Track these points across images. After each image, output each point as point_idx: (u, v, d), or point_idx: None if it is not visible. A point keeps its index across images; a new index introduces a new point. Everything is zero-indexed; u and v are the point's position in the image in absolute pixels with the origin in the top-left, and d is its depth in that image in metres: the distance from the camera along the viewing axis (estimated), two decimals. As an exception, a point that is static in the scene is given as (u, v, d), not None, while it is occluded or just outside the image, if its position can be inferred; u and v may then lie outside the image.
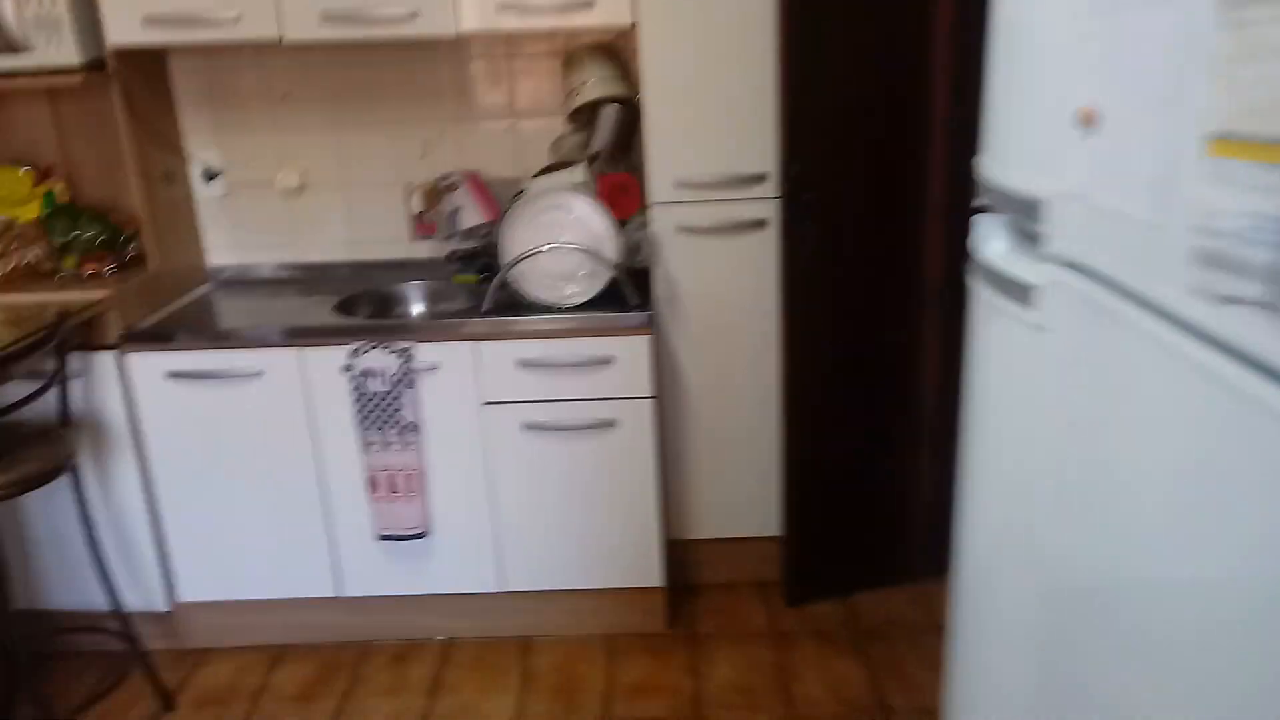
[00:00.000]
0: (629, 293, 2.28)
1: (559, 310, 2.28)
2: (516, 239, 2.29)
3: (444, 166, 2.64)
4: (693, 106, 2.30)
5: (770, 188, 2.36)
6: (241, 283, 2.69)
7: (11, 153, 2.60)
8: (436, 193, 2.53)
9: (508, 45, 2.56)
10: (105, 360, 2.27)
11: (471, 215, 2.53)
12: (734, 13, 2.24)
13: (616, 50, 2.50)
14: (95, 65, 2.30)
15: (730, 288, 2.42)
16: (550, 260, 2.28)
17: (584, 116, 2.49)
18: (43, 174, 2.58)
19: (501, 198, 2.64)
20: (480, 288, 2.43)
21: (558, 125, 2.61)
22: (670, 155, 2.33)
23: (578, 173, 2.33)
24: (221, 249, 2.72)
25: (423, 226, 2.57)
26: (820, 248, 2.33)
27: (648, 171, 2.34)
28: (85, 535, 2.20)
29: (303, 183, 2.65)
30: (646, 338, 2.27)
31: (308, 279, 2.69)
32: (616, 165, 2.48)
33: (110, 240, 2.42)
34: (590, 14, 2.24)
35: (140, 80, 2.42)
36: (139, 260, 2.46)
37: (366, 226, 2.69)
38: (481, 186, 2.58)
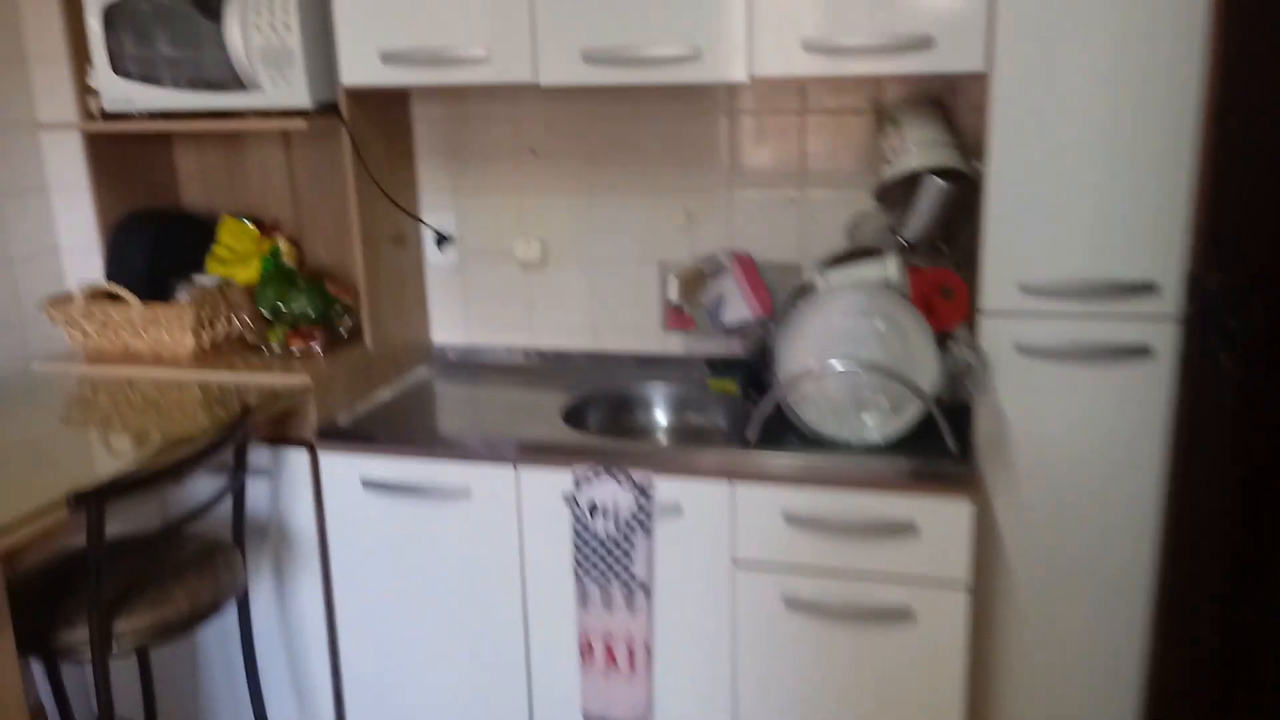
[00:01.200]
0: (947, 435, 1.66)
1: (848, 450, 1.70)
2: (797, 349, 1.73)
3: (709, 244, 2.14)
4: (1055, 183, 1.67)
5: (1164, 302, 1.67)
6: (465, 367, 2.31)
7: (242, 204, 2.37)
8: (697, 277, 2.03)
9: (798, 97, 2.04)
10: (297, 458, 1.93)
11: (738, 309, 2.01)
12: (1135, 56, 1.59)
13: (944, 105, 1.91)
14: (327, 108, 2.00)
15: (1088, 436, 1.74)
16: (842, 382, 1.71)
17: (897, 192, 1.91)
18: (269, 229, 2.32)
19: (777, 289, 2.10)
20: (742, 403, 1.89)
21: (859, 200, 2.04)
22: (1015, 249, 1.70)
23: (887, 265, 1.75)
24: (448, 325, 2.35)
25: (677, 318, 2.07)
26: (1243, 395, 1.60)
27: (981, 269, 1.73)
28: (246, 667, 1.85)
29: (543, 255, 2.24)
30: (966, 504, 1.64)
31: (540, 369, 2.27)
32: (937, 258, 1.88)
33: (323, 311, 2.09)
34: (927, 57, 1.67)
35: (375, 128, 2.09)
36: (356, 334, 2.13)
37: (612, 311, 2.24)
38: (754, 273, 2.05)
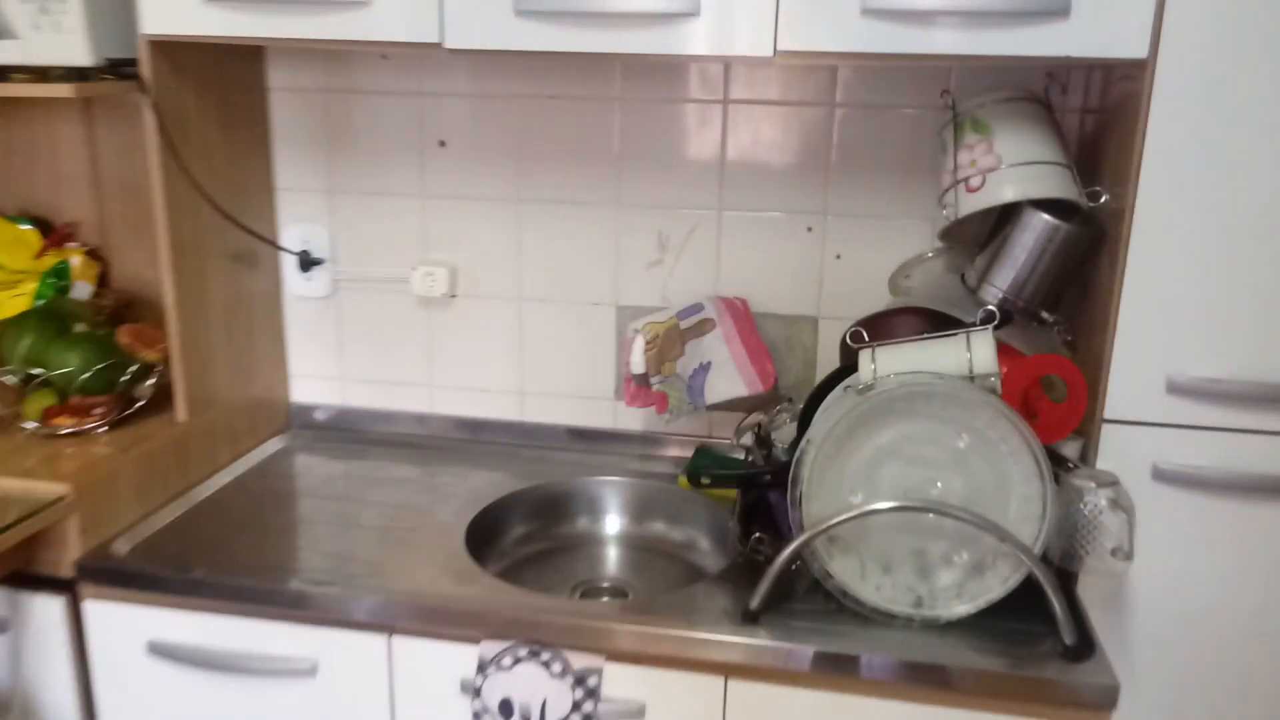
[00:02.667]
0: (1062, 620, 1.07)
1: (903, 629, 1.10)
2: (831, 471, 1.12)
3: (688, 284, 1.52)
4: (1228, 241, 1.09)
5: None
6: (338, 437, 1.65)
7: (21, 198, 1.66)
8: (672, 335, 1.41)
9: (828, 81, 1.42)
10: (46, 607, 1.26)
11: (726, 382, 1.39)
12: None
13: (1050, 108, 1.30)
14: (121, 67, 1.32)
15: (1251, 603, 1.17)
16: (898, 528, 1.11)
17: (972, 229, 1.31)
18: (60, 236, 1.63)
19: (783, 355, 1.50)
20: (736, 522, 1.28)
21: (911, 236, 1.44)
22: (1163, 330, 1.12)
23: (974, 346, 1.14)
24: (315, 379, 1.69)
25: (640, 394, 1.44)
26: None
27: (1108, 358, 1.14)
28: None
29: (452, 287, 1.59)
30: (1100, 730, 1.05)
31: (443, 445, 1.62)
32: (1037, 333, 1.28)
33: (106, 377, 1.40)
34: (1053, 32, 1.06)
35: (202, 99, 1.42)
36: (165, 397, 1.45)
37: (546, 369, 1.60)
38: (750, 329, 1.44)
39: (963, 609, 1.10)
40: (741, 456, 1.49)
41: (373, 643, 1.18)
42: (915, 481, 1.11)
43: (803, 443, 1.14)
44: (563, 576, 1.38)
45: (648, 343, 1.38)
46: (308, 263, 1.62)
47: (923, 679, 1.06)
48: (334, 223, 1.61)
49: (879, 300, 1.44)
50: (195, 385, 1.44)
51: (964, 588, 1.11)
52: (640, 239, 1.52)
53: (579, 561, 1.42)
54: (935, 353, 1.14)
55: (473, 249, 1.58)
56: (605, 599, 1.35)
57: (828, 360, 1.49)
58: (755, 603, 1.11)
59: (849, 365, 1.28)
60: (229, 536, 1.31)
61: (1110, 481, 1.11)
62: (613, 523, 1.47)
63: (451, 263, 1.58)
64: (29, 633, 1.26)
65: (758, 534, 1.16)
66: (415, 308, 1.62)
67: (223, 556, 1.25)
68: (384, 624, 1.18)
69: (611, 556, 1.44)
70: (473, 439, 1.63)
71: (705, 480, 1.24)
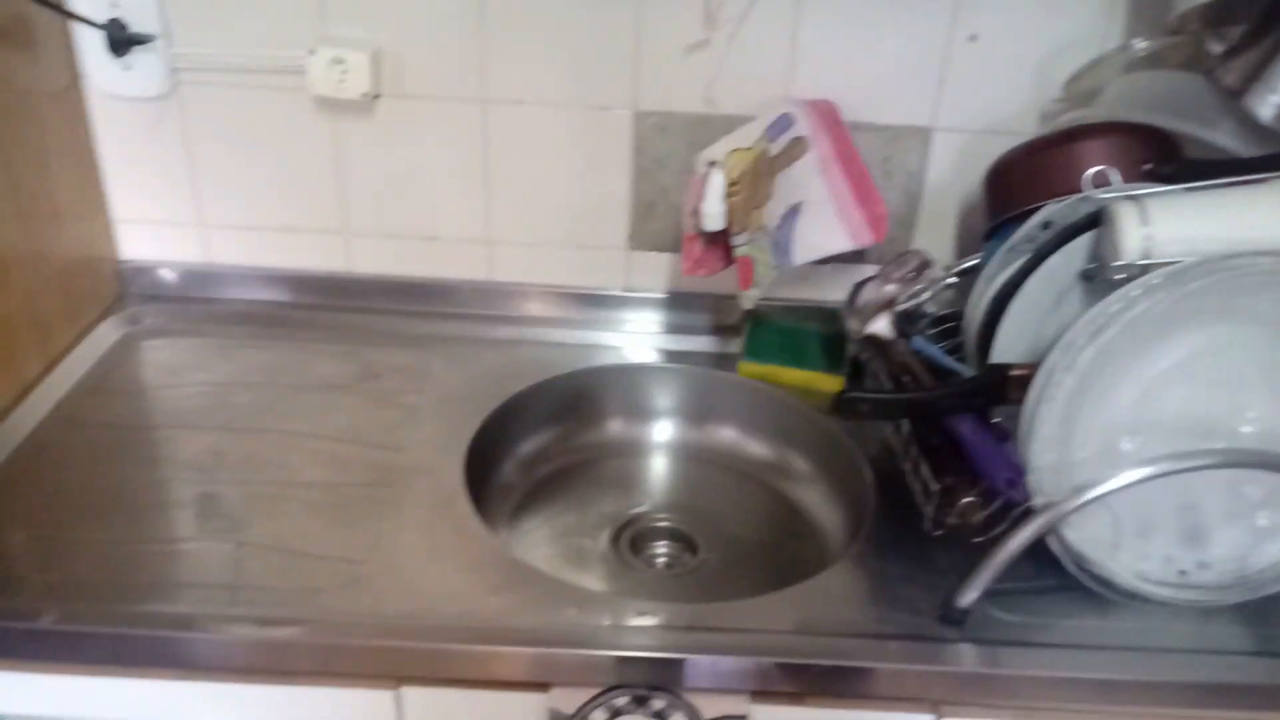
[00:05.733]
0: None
1: (1182, 618, 0.76)
2: (1086, 402, 0.73)
3: (744, 85, 1.02)
4: None
5: None
6: (201, 316, 1.09)
7: None
8: (760, 170, 0.93)
9: None
10: None
11: (824, 235, 0.94)
12: None
13: None
14: None
15: None
16: (1178, 486, 0.75)
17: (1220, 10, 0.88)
18: None
19: (878, 181, 1.06)
20: (922, 471, 0.89)
21: (1095, 11, 0.99)
22: None
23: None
24: (154, 227, 1.10)
25: (708, 256, 0.97)
26: None
27: None
28: None
29: (375, 87, 1.01)
30: None
31: (373, 325, 1.10)
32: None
33: None
34: None
35: None
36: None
37: (523, 211, 1.09)
38: (851, 155, 0.97)
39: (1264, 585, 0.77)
40: (813, 326, 1.07)
41: (371, 702, 0.74)
42: (1214, 411, 0.74)
43: (1048, 364, 0.73)
44: (597, 515, 0.95)
45: (731, 184, 0.90)
46: (121, 41, 0.99)
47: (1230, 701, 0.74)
48: (163, -29, 0.98)
49: (1030, 107, 1.01)
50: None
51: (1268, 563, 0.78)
52: (674, 7, 0.99)
53: (614, 490, 0.99)
54: (1243, 207, 0.74)
55: (405, 21, 1.00)
56: (662, 551, 0.94)
57: (943, 194, 1.07)
58: (966, 598, 0.73)
59: (1026, 206, 0.87)
60: (74, 521, 0.79)
61: None
62: (657, 431, 1.04)
63: (371, 42, 1.00)
64: None
65: (967, 497, 0.76)
66: (315, 114, 1.03)
67: (78, 565, 0.75)
68: (387, 673, 0.73)
69: (658, 480, 1.02)
70: (419, 310, 1.12)
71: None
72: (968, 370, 0.87)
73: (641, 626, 0.73)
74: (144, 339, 1.05)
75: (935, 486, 0.76)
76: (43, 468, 0.85)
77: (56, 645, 0.71)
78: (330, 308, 1.11)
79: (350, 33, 1.00)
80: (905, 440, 0.84)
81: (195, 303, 1.11)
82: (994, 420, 0.81)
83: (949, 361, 0.88)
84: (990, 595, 0.72)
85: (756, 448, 1.01)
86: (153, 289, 1.11)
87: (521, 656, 0.71)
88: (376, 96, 1.02)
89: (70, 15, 0.95)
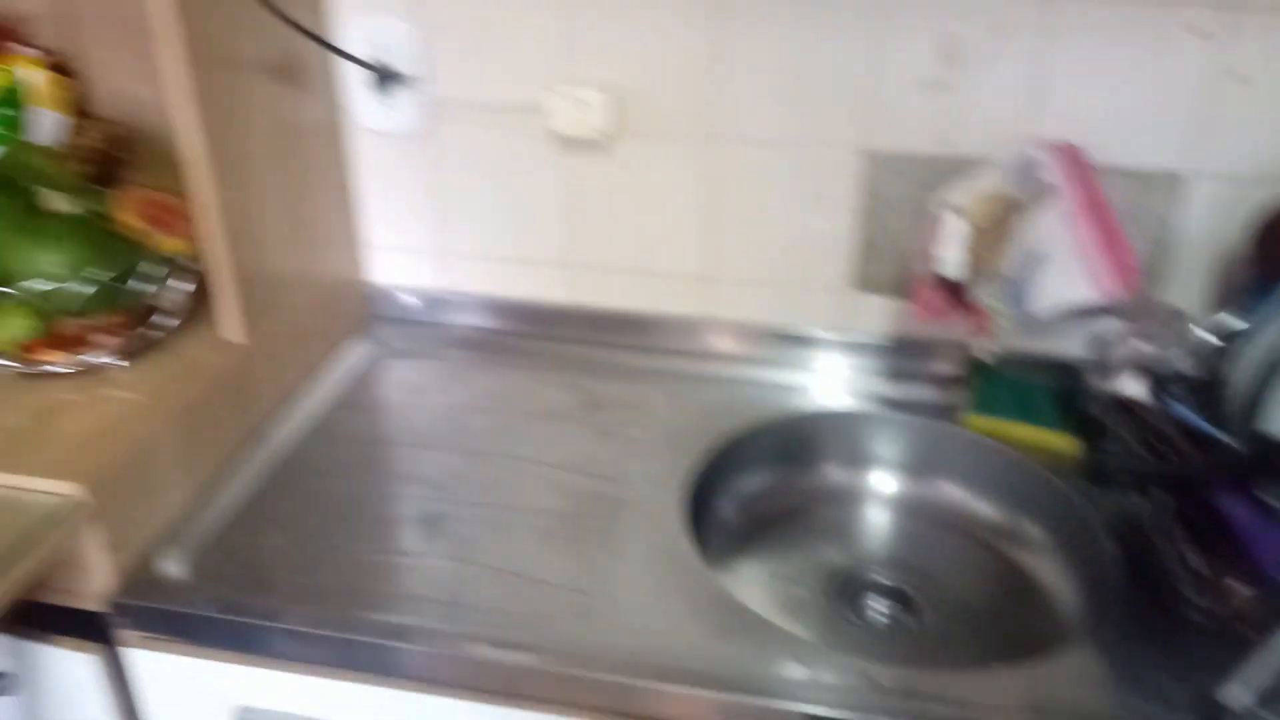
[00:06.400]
0: None
1: None
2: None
3: (984, 127, 0.98)
4: None
5: None
6: (437, 339, 1.15)
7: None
8: (999, 211, 0.90)
9: None
10: (74, 662, 0.81)
11: (1069, 287, 0.90)
12: None
13: None
14: None
15: None
16: None
17: None
18: (6, 36, 1.06)
19: (1142, 226, 1.00)
20: (1189, 557, 0.83)
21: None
22: None
23: None
24: (399, 254, 1.17)
25: (943, 303, 0.95)
26: None
27: None
28: None
29: (613, 120, 1.05)
30: None
31: (594, 356, 1.13)
32: None
33: (123, 283, 0.88)
34: None
35: None
36: (199, 310, 0.95)
37: (745, 248, 1.09)
38: (1100, 203, 0.93)
39: None
40: (1047, 381, 1.02)
41: (594, 733, 0.76)
42: None
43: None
44: (812, 563, 0.94)
45: (971, 229, 0.88)
46: (386, 80, 1.07)
47: None
48: (424, 14, 1.04)
49: (1307, 152, 0.93)
50: (251, 281, 0.93)
51: None
52: (912, 44, 0.97)
53: (831, 539, 0.98)
54: None
55: (643, 63, 1.03)
56: (879, 607, 0.91)
57: (1198, 244, 0.99)
58: (1234, 697, 0.68)
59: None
60: (326, 528, 0.85)
61: None
62: (877, 481, 1.02)
63: (613, 83, 1.03)
64: (50, 694, 0.82)
65: (1234, 580, 0.71)
66: (552, 150, 1.08)
67: (326, 571, 0.80)
68: (611, 707, 0.75)
69: (876, 533, 1.00)
70: (637, 343, 1.14)
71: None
72: (1232, 440, 0.81)
73: (862, 687, 0.71)
74: (387, 359, 1.12)
75: (1198, 566, 0.71)
76: (302, 477, 0.92)
77: (299, 645, 0.76)
78: (555, 337, 1.15)
79: (592, 73, 1.04)
80: (1158, 512, 0.79)
81: (433, 326, 1.18)
82: (1262, 497, 0.75)
83: (1213, 430, 0.81)
84: (1261, 696, 0.66)
85: (984, 508, 0.97)
86: (395, 311, 1.19)
87: (746, 708, 0.71)
88: (611, 135, 1.06)
89: (348, 57, 1.03)
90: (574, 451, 0.97)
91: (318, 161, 1.07)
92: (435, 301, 1.18)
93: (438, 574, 0.81)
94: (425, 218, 1.14)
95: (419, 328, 1.17)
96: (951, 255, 0.89)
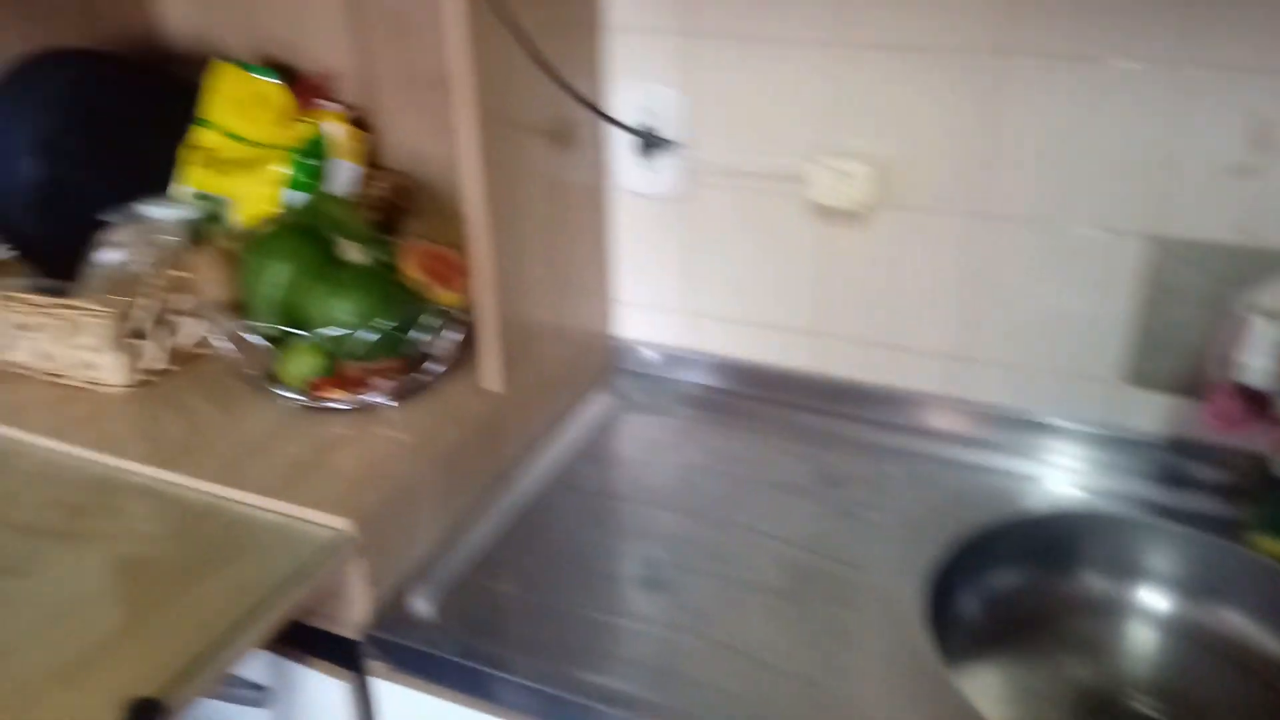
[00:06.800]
0: None
1: None
2: None
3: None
4: None
5: None
6: (675, 396, 1.16)
7: (261, 37, 1.21)
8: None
9: None
10: (325, 685, 0.87)
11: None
12: None
13: None
14: None
15: None
16: None
17: None
18: (310, 90, 1.17)
19: None
20: None
21: None
22: None
23: None
24: (646, 311, 1.20)
25: (1242, 412, 0.86)
26: None
27: None
28: None
29: (875, 191, 1.02)
30: None
31: (835, 429, 1.11)
32: None
33: (406, 330, 0.95)
34: None
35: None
36: (464, 358, 1.00)
37: (1009, 330, 1.03)
38: None
39: None
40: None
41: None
42: None
43: None
44: (1064, 680, 0.87)
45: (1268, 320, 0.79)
46: (651, 145, 1.09)
47: None
48: (692, 82, 1.07)
49: None
50: (513, 335, 0.98)
51: None
52: (1216, 125, 0.89)
53: (1087, 655, 0.89)
54: None
55: (909, 134, 1.00)
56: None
57: None
58: None
59: None
60: (556, 580, 0.87)
61: None
62: (1143, 598, 0.93)
63: (878, 154, 1.01)
64: (301, 712, 0.89)
65: None
66: (808, 218, 1.07)
67: (550, 624, 0.82)
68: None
69: (1140, 656, 0.90)
70: (879, 418, 1.11)
71: None
72: None
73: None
74: (626, 412, 1.14)
75: None
76: (540, 526, 0.95)
77: (520, 696, 0.78)
78: (793, 405, 1.13)
79: (854, 143, 1.02)
80: None
81: (671, 383, 1.19)
82: None
83: None
84: None
85: (1271, 644, 0.86)
86: (636, 366, 1.21)
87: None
88: (872, 207, 1.03)
89: (618, 124, 1.07)
90: (807, 527, 0.94)
91: (580, 220, 1.11)
92: (674, 358, 1.19)
93: (657, 640, 0.81)
94: (675, 277, 1.16)
95: (657, 382, 1.19)
96: (1256, 362, 0.80)
